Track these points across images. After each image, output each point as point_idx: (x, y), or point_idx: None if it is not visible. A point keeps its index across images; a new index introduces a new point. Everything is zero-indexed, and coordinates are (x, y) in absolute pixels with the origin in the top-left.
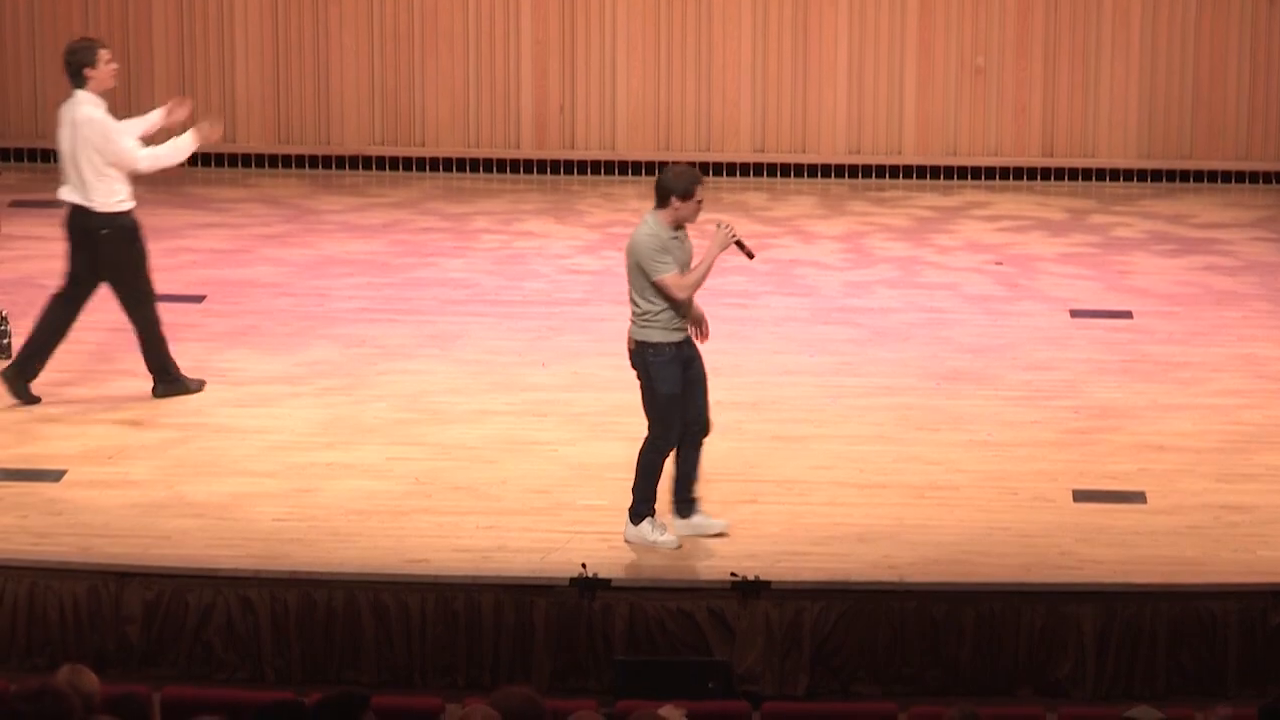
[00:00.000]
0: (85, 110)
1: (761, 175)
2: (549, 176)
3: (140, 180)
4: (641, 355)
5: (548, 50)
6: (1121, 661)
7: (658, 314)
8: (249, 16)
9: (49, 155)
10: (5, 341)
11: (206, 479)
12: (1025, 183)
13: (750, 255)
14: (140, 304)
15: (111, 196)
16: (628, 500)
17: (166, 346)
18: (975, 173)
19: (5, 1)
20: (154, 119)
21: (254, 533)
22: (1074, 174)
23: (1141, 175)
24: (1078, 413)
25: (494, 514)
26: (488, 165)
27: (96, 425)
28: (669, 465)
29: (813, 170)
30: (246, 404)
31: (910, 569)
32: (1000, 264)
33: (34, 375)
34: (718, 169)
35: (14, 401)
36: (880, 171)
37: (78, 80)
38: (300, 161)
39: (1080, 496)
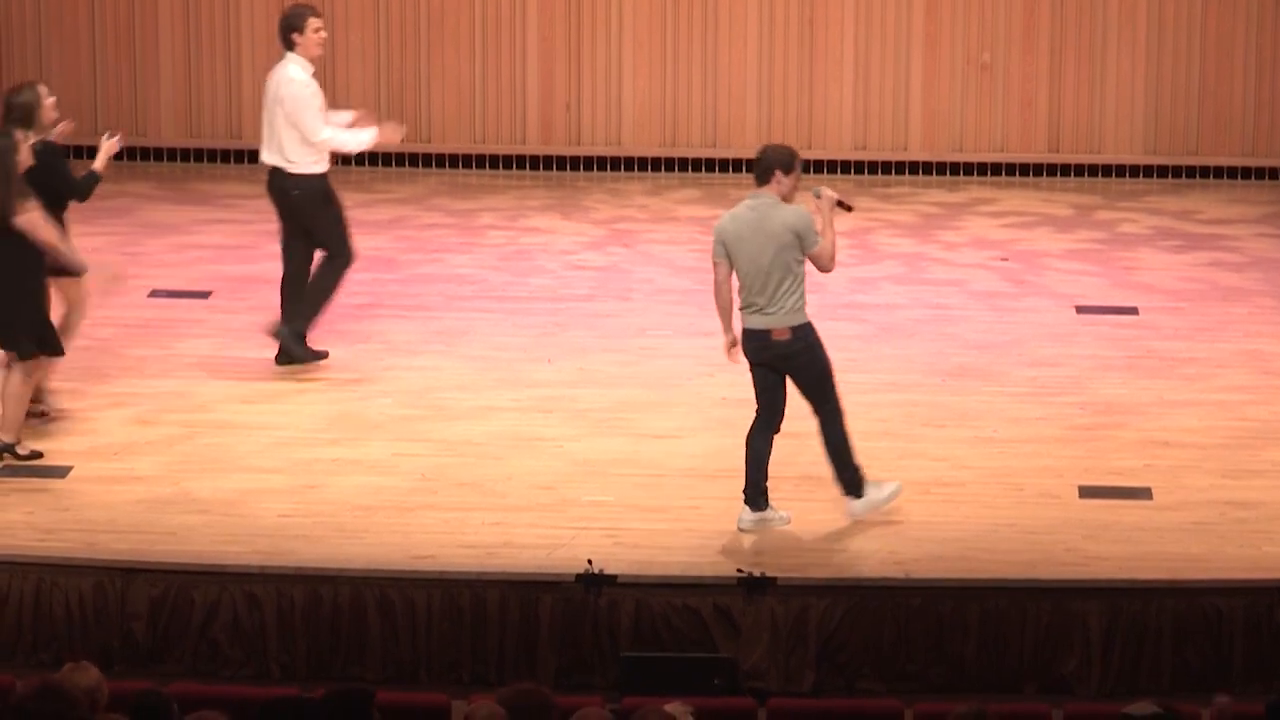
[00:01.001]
0: (289, 71)
1: None
2: (555, 173)
3: (143, 176)
4: (804, 338)
5: (554, 47)
6: (1127, 658)
7: (799, 295)
8: (255, 13)
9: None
10: None
11: (212, 475)
12: (1031, 179)
13: (850, 209)
14: (336, 263)
15: (306, 157)
16: (634, 495)
17: (318, 315)
18: (981, 169)
19: (12, 3)
20: (346, 120)
21: (260, 529)
22: (1080, 170)
23: (1148, 171)
24: (1083, 409)
25: (500, 510)
26: (494, 161)
27: (102, 421)
28: (750, 453)
29: (819, 166)
30: (252, 400)
31: (916, 565)
32: (1006, 259)
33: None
34: (723, 165)
35: (304, 361)
36: (886, 168)
37: (287, 43)
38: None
39: (1086, 493)
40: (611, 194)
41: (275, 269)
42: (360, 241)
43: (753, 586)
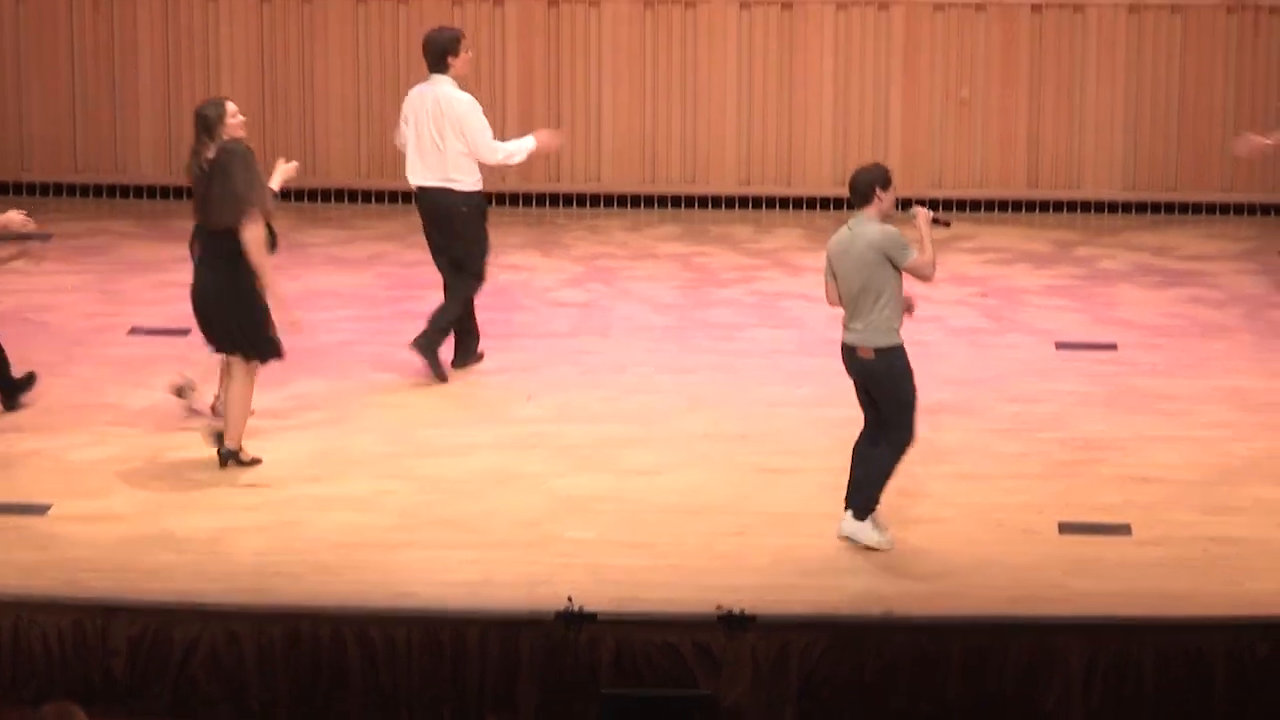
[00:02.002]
0: (447, 89)
1: (747, 208)
2: (534, 209)
3: (122, 214)
4: (887, 360)
5: (532, 84)
6: (1109, 694)
7: (889, 316)
8: (235, 50)
9: (34, 189)
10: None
11: (192, 513)
12: (1010, 215)
13: (947, 225)
14: (469, 281)
15: (471, 175)
16: (616, 531)
17: (468, 324)
18: (960, 205)
19: None
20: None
21: (240, 567)
22: (1059, 206)
23: (1127, 207)
24: (1064, 445)
25: (481, 547)
26: None
27: (82, 459)
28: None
29: (798, 203)
30: None
31: (897, 601)
32: (985, 296)
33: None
34: (703, 202)
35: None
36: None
37: (439, 65)
38: (285, 194)
39: (1066, 529)
40: (591, 230)
41: None
42: (340, 279)
43: (733, 623)
